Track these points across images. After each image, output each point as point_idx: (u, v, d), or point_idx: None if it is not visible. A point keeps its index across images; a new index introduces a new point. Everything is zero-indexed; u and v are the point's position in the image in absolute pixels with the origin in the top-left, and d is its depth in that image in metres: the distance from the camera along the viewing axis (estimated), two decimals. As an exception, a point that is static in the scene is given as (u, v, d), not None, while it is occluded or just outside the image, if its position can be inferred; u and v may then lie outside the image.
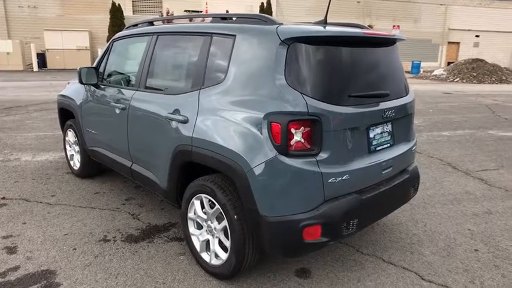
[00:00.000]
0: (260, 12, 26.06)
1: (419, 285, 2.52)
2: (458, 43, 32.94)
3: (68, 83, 4.59)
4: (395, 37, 2.59)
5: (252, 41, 2.25)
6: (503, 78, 20.29)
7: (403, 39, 2.69)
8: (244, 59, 2.27)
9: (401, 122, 2.67)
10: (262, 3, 26.12)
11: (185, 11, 26.65)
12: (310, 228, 2.10)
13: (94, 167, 4.29)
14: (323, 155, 2.11)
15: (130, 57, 3.51)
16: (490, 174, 4.84)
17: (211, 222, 2.50)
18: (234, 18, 2.51)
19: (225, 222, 2.35)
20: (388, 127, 2.54)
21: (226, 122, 2.25)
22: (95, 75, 3.54)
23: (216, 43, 2.46)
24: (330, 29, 2.27)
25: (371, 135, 2.38)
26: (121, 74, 3.53)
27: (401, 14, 31.02)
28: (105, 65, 3.61)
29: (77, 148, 4.33)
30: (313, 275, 2.61)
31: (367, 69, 2.39)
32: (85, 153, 4.09)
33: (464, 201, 3.95)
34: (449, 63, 30.17)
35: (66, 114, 4.42)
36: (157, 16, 24.99)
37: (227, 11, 25.21)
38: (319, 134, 2.08)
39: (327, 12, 2.54)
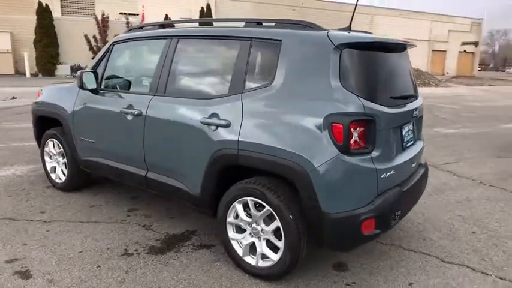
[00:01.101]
0: (200, 16, 25.92)
1: (444, 267, 2.78)
2: (382, 49, 35.88)
3: (41, 90, 4.23)
4: (411, 43, 2.84)
5: (302, 46, 2.33)
6: (427, 81, 22.57)
7: (414, 46, 2.96)
8: (294, 63, 2.33)
9: (418, 121, 2.93)
10: (202, 7, 26.02)
11: (120, 13, 25.56)
12: (367, 221, 2.23)
13: (83, 179, 4.00)
14: (375, 153, 2.25)
15: (139, 61, 3.36)
16: (453, 167, 5.42)
17: (257, 225, 2.51)
18: (272, 24, 2.56)
19: (276, 223, 2.38)
20: (412, 126, 2.77)
21: (281, 124, 2.29)
22: (95, 80, 3.32)
23: (257, 47, 2.48)
24: (372, 36, 2.43)
25: (403, 133, 2.59)
26: (128, 78, 3.35)
27: (334, 22, 32.72)
28: (104, 69, 3.40)
29: (61, 159, 3.99)
30: (350, 267, 2.75)
31: (396, 72, 2.60)
32: (75, 164, 3.80)
33: (445, 191, 4.39)
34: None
35: (46, 123, 4.07)
36: (91, 18, 23.63)
37: (166, 15, 24.69)
38: (373, 133, 2.22)
39: (351, 20, 2.70)
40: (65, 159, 3.94)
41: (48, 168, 4.14)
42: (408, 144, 2.68)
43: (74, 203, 3.76)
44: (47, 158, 4.16)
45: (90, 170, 3.71)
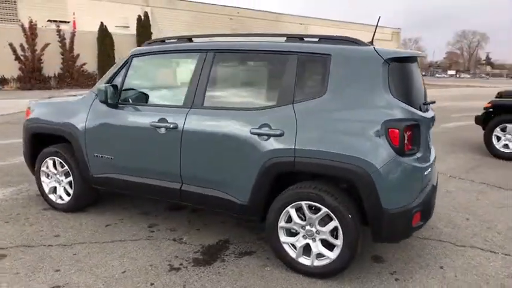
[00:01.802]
0: (138, 24, 25.18)
1: (460, 250, 3.18)
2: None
3: (30, 107, 3.95)
4: (424, 55, 3.23)
5: (352, 60, 2.56)
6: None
7: (424, 56, 3.36)
8: (345, 75, 2.56)
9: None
10: (140, 16, 25.26)
11: (49, 20, 23.82)
12: (416, 214, 2.53)
13: (90, 199, 3.82)
14: (419, 154, 2.56)
15: (167, 74, 3.32)
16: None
17: (312, 227, 2.67)
18: (316, 39, 2.76)
19: (334, 223, 2.57)
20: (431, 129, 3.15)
21: (339, 132, 2.50)
22: (116, 94, 3.23)
23: (305, 61, 2.66)
24: (407, 50, 2.74)
25: (430, 135, 2.95)
26: (153, 91, 3.30)
27: (271, 32, 34.00)
28: (123, 83, 3.31)
29: (64, 179, 3.76)
30: (386, 259, 3.02)
31: (419, 81, 2.95)
32: (84, 183, 3.61)
33: (427, 185, 4.92)
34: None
35: (42, 141, 3.81)
36: (17, 25, 21.68)
37: (102, 23, 23.59)
38: (418, 136, 2.53)
39: (373, 36, 3.01)
40: (69, 178, 3.71)
41: (46, 189, 3.86)
42: (430, 146, 3.04)
43: (86, 224, 3.58)
44: (43, 178, 3.87)
45: (105, 188, 3.56)
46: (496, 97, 6.60)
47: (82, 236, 3.33)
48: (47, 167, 3.82)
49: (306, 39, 2.80)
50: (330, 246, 2.66)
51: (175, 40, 3.25)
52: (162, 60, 3.34)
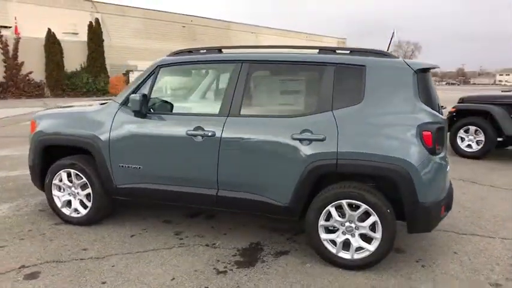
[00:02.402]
0: (89, 31, 24.24)
1: (464, 238, 3.60)
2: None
3: (35, 120, 3.81)
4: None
5: (385, 71, 2.86)
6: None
7: (438, 67, 3.75)
8: (380, 84, 2.85)
9: None
10: (91, 22, 24.30)
11: (-12, 26, 22.10)
12: (443, 206, 2.87)
13: (109, 210, 3.76)
14: (443, 153, 2.92)
15: (199, 83, 3.39)
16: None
17: (351, 223, 2.91)
18: (347, 51, 3.02)
19: (373, 219, 2.83)
20: None
21: (378, 135, 2.77)
22: (146, 104, 3.26)
23: (342, 71, 2.92)
24: (427, 62, 3.11)
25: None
26: (184, 100, 3.36)
27: (223, 40, 34.21)
28: (150, 92, 3.34)
29: (81, 191, 3.66)
30: (405, 249, 3.34)
31: (435, 88, 3.32)
32: (104, 194, 3.56)
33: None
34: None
35: (53, 154, 3.70)
36: None
37: (49, 29, 22.38)
38: (442, 137, 2.88)
39: (389, 46, 3.36)
40: (87, 191, 3.63)
41: (59, 203, 3.73)
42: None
43: (109, 236, 3.52)
44: (55, 192, 3.74)
45: (128, 198, 3.53)
46: (459, 102, 7.37)
47: (112, 248, 3.28)
48: (60, 180, 3.70)
49: (338, 51, 3.06)
50: (368, 240, 2.91)
51: (205, 51, 3.35)
52: (192, 71, 3.42)
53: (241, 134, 3.06)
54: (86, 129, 3.50)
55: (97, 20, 24.87)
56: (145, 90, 3.37)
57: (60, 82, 23.41)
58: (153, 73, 3.39)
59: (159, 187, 3.36)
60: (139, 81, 3.41)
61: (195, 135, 3.15)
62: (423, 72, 2.92)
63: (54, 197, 3.75)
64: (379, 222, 2.82)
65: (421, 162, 2.72)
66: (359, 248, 2.92)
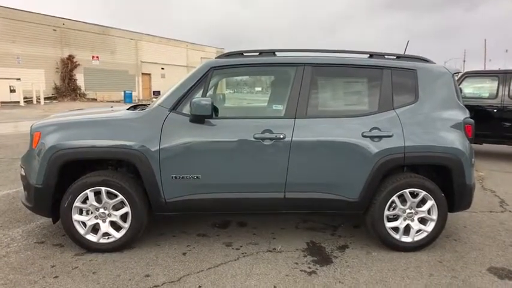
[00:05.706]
0: None
1: (479, 214, 4.34)
2: (149, 74, 37.04)
3: (40, 131, 3.16)
4: None
5: (433, 74, 3.35)
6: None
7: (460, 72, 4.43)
8: (429, 85, 3.31)
9: None
10: None
11: None
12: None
13: (143, 230, 3.32)
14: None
15: (259, 86, 3.27)
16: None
17: (411, 209, 3.28)
18: (394, 57, 3.41)
19: (430, 204, 3.26)
20: None
21: (434, 129, 3.21)
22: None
23: (397, 75, 3.29)
24: (454, 67, 3.70)
25: None
26: (245, 104, 3.21)
27: (100, 45, 31.62)
28: (205, 96, 3.12)
29: (112, 212, 3.15)
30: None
31: None
32: (147, 212, 3.16)
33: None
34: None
35: (72, 171, 3.13)
36: None
37: None
38: (474, 128, 3.49)
39: (405, 51, 3.88)
40: (122, 210, 3.15)
41: (82, 229, 3.14)
42: None
43: (159, 257, 3.14)
44: (76, 217, 3.12)
45: (178, 212, 3.21)
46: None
47: (176, 269, 2.95)
48: (84, 201, 3.12)
49: (386, 56, 3.42)
50: (423, 222, 3.32)
51: (257, 54, 3.30)
52: (247, 73, 3.31)
53: (312, 135, 3.14)
54: (125, 139, 3.05)
55: None
56: (197, 93, 3.14)
57: None
58: (205, 76, 3.18)
59: (218, 196, 3.16)
60: (191, 84, 3.15)
61: (263, 139, 3.09)
62: (454, 75, 3.52)
63: (74, 222, 3.13)
64: (435, 205, 3.27)
65: (466, 151, 3.27)
66: (419, 231, 3.31)
